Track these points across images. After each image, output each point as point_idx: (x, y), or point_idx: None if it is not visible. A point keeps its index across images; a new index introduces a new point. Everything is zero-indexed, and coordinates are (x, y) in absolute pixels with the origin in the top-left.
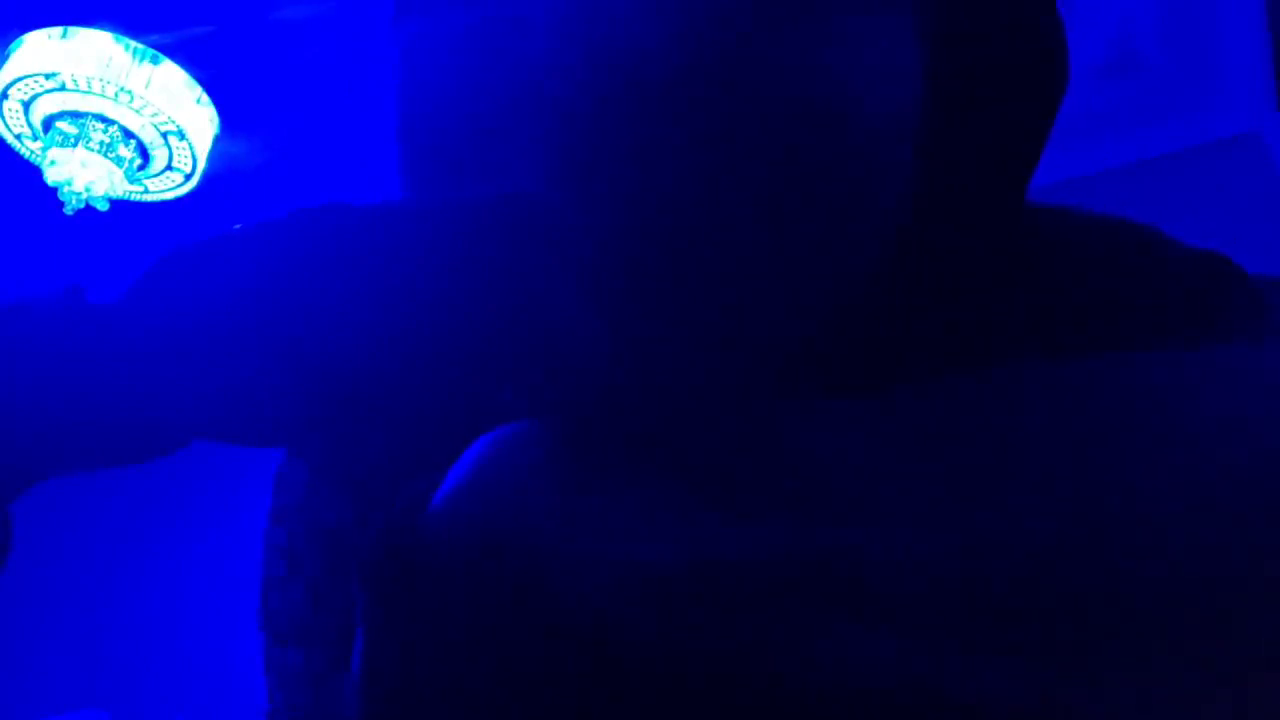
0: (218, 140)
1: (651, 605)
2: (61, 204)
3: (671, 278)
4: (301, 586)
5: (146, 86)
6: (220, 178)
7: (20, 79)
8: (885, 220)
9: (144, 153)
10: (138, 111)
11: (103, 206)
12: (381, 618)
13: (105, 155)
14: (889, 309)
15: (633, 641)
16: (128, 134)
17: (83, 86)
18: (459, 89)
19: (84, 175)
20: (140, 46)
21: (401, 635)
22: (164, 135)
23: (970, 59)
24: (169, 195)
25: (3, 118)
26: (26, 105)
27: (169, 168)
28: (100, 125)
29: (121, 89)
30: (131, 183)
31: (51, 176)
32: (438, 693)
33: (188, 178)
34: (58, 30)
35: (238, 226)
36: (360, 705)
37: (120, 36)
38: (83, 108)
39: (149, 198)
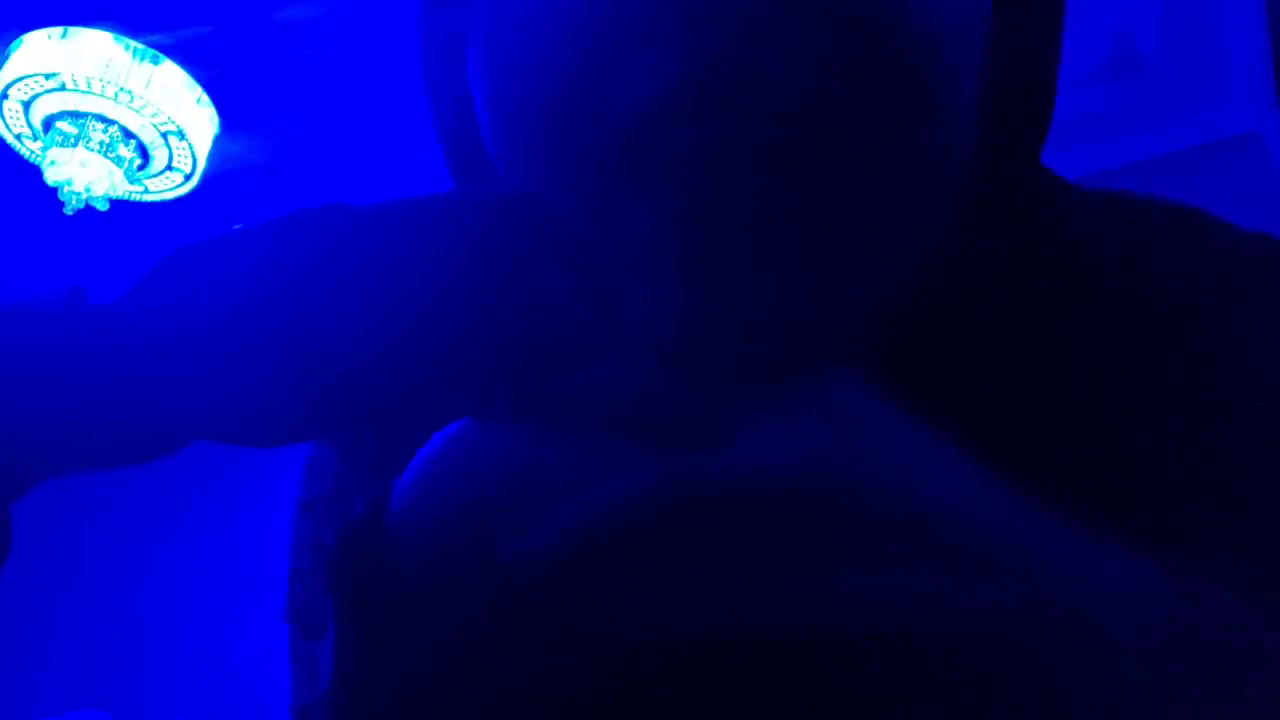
0: (218, 140)
1: (598, 556)
2: (61, 204)
3: (761, 237)
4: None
5: (146, 86)
6: (220, 178)
7: (20, 79)
8: (952, 177)
9: (144, 153)
10: (138, 111)
11: (103, 206)
12: (350, 614)
13: (105, 155)
14: (943, 281)
15: (582, 601)
16: (128, 134)
17: (83, 86)
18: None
19: (84, 175)
20: (140, 46)
21: (373, 628)
22: (164, 135)
23: (1020, 18)
24: (169, 195)
25: (3, 118)
26: (26, 105)
27: (169, 168)
28: (100, 125)
29: (121, 89)
30: (131, 183)
31: (51, 176)
32: (414, 678)
33: (188, 178)
34: (58, 30)
35: (238, 226)
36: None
37: (120, 36)
38: (83, 108)
39: (149, 198)
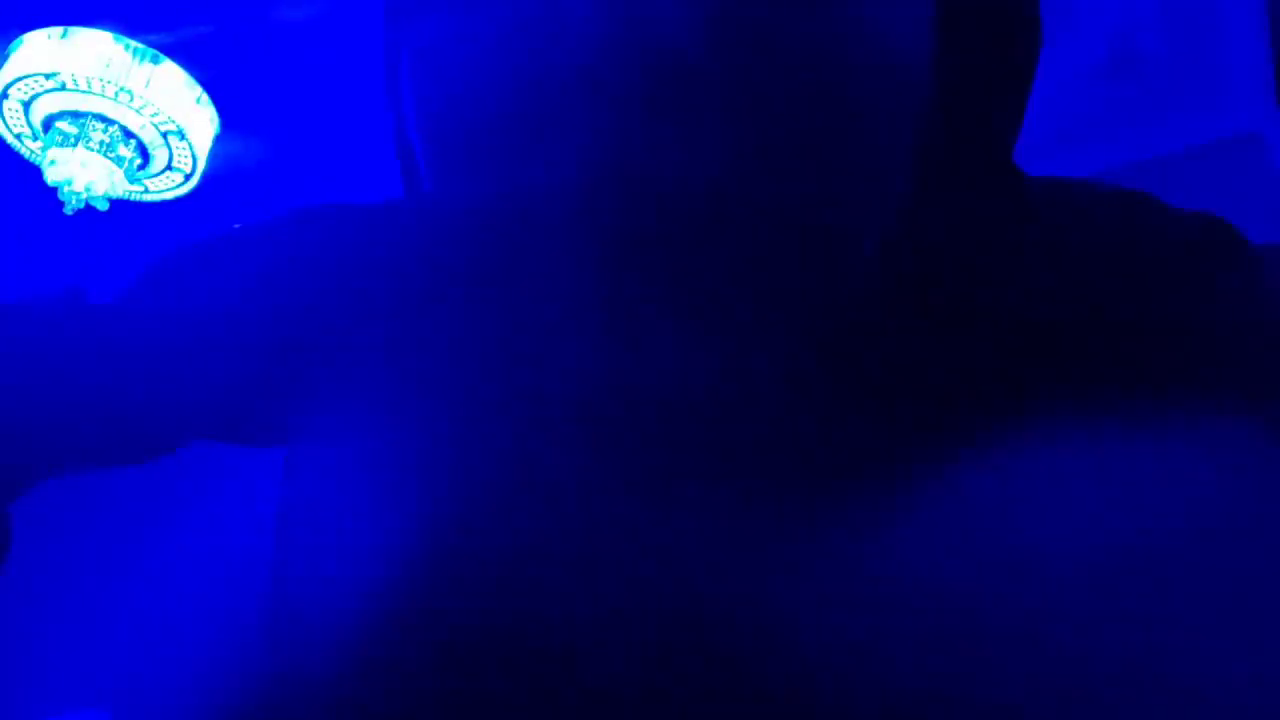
0: (218, 140)
1: None
2: (61, 204)
3: (718, 237)
4: None
5: (146, 86)
6: (220, 178)
7: (20, 79)
8: (897, 176)
9: (144, 153)
10: (138, 111)
11: (103, 206)
12: None
13: (105, 155)
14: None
15: None
16: (128, 134)
17: (83, 86)
18: (489, 83)
19: (84, 175)
20: (140, 46)
21: None
22: (164, 135)
23: (972, 21)
24: (169, 195)
25: (3, 118)
26: (26, 105)
27: (169, 168)
28: (100, 125)
29: (121, 89)
30: (131, 183)
31: (51, 176)
32: None
33: (188, 178)
34: (58, 30)
35: (238, 226)
36: None
37: (120, 36)
38: (83, 108)
39: (149, 198)
